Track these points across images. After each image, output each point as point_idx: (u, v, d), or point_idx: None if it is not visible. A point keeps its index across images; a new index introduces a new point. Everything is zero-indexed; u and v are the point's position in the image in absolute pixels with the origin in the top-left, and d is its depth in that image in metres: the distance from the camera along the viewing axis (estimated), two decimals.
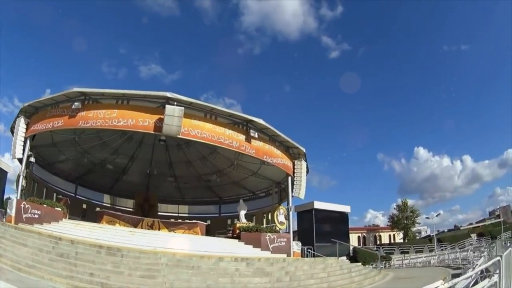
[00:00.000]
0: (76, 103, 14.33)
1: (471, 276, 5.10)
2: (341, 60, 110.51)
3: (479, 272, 5.81)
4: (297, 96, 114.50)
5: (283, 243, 17.02)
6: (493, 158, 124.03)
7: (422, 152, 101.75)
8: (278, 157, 18.08)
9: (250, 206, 21.80)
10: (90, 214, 20.13)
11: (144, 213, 21.78)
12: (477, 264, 9.60)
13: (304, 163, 19.31)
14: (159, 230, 17.61)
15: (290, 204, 19.15)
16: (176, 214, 25.48)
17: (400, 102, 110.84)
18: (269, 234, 16.96)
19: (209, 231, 19.66)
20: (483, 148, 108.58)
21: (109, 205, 24.61)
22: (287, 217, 19.38)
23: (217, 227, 21.49)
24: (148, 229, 17.34)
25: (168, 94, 14.10)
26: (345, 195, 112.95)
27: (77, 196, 22.79)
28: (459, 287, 3.34)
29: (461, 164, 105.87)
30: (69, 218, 16.81)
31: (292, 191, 18.93)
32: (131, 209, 23.91)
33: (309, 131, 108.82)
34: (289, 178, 18.90)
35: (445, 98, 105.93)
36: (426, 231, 53.55)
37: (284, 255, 16.36)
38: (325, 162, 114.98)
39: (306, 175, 19.69)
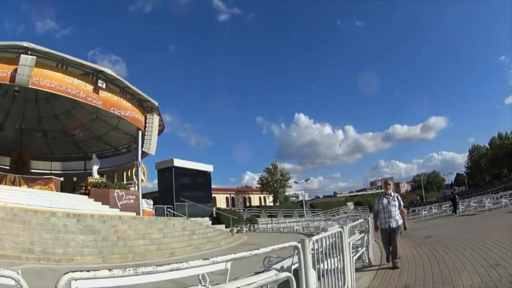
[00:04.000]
0: None
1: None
2: (229, 23, 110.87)
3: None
4: (181, 56, 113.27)
5: (132, 201, 17.03)
6: (377, 131, 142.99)
7: (303, 118, 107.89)
8: (127, 110, 17.47)
9: (112, 163, 21.21)
10: None
11: (18, 170, 20.36)
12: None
13: (156, 118, 19.01)
14: (19, 185, 16.84)
15: (139, 160, 18.80)
16: (49, 171, 23.70)
17: (283, 68, 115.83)
18: (118, 190, 16.76)
19: (75, 188, 19.86)
20: (368, 120, 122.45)
21: None
22: (145, 174, 19.19)
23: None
24: (11, 185, 16.53)
25: (25, 44, 13.61)
26: (223, 156, 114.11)
27: None
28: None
29: (343, 134, 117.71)
30: None
31: (142, 146, 18.55)
32: (7, 167, 22.03)
33: (190, 91, 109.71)
34: (140, 132, 18.51)
35: (332, 74, 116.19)
36: (304, 196, 54.81)
37: (133, 213, 16.40)
38: (203, 122, 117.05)
39: (162, 131, 19.66)
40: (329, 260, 3.56)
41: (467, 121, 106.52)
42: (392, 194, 6.17)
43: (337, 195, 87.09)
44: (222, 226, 21.45)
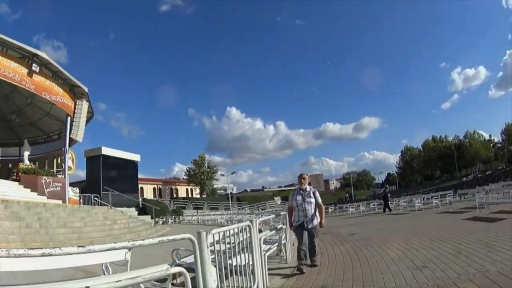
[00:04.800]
0: None
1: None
2: (170, 14, 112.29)
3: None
4: (120, 45, 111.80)
5: (58, 188, 17.36)
6: (309, 128, 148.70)
7: (234, 112, 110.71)
8: (58, 95, 17.46)
9: (44, 149, 21.19)
10: None
11: None
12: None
13: (85, 104, 19.04)
14: None
15: (67, 147, 18.73)
16: None
17: (219, 61, 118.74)
18: (45, 177, 17.00)
19: (9, 174, 18.88)
20: (300, 117, 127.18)
21: None
22: (74, 161, 19.58)
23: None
24: None
25: None
26: (154, 147, 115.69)
27: None
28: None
29: (274, 129, 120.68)
30: None
31: (70, 133, 18.53)
32: None
33: (127, 80, 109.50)
34: (68, 118, 18.40)
35: (268, 69, 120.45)
36: (232, 189, 55.82)
37: (59, 201, 16.75)
38: (137, 111, 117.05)
39: (91, 118, 19.54)
40: (238, 257, 3.43)
41: (401, 123, 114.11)
42: (308, 189, 5.46)
43: (265, 190, 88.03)
44: (148, 217, 21.40)
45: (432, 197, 19.61)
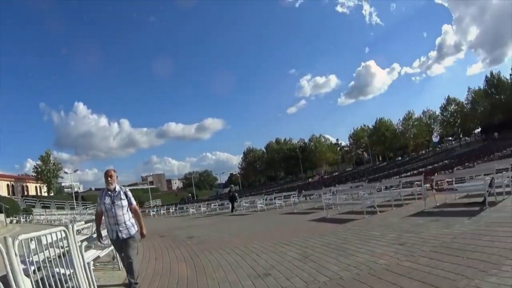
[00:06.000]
0: None
1: None
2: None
3: None
4: None
5: None
6: (152, 127, 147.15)
7: (81, 107, 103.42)
8: None
9: None
10: None
11: None
12: None
13: None
14: None
15: None
16: None
17: (70, 54, 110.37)
18: None
19: None
20: (143, 116, 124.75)
21: None
22: None
23: None
24: None
25: None
26: (6, 141, 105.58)
27: None
28: None
29: (118, 127, 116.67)
30: None
31: None
32: None
33: None
34: None
35: (116, 65, 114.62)
36: (79, 188, 54.58)
37: None
38: None
39: None
40: (57, 267, 3.00)
41: (245, 125, 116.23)
42: (117, 188, 4.23)
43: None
44: (2, 216, 19.50)
45: (275, 198, 18.91)
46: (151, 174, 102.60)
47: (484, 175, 8.68)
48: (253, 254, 5.67)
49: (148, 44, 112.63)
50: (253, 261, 5.12)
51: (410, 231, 5.74)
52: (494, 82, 58.58)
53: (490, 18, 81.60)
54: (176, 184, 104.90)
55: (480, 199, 7.26)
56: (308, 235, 6.95)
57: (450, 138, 72.92)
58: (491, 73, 59.62)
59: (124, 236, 4.07)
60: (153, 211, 32.45)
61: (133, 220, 4.21)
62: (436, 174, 11.99)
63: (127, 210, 4.17)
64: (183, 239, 8.99)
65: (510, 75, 56.72)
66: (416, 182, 11.08)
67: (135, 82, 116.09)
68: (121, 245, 4.12)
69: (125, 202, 4.15)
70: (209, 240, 8.30)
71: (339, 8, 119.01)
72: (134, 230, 4.16)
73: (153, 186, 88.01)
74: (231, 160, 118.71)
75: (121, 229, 4.07)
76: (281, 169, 76.94)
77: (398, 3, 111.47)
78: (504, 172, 8.17)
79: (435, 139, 74.65)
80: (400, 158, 70.77)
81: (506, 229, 4.60)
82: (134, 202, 4.28)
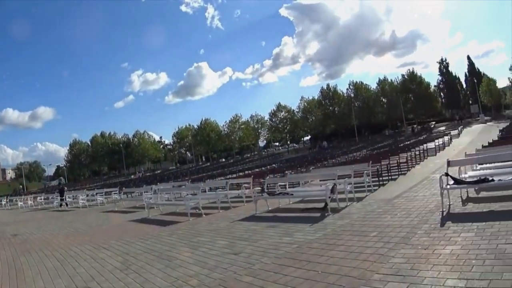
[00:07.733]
0: None
1: None
2: None
3: None
4: None
5: None
6: None
7: None
8: None
9: None
10: None
11: None
12: None
13: None
14: None
15: None
16: None
17: None
18: None
19: None
20: None
21: None
22: None
23: None
24: None
25: None
26: None
27: None
28: None
29: None
30: None
31: None
32: None
33: None
34: None
35: None
36: None
37: None
38: None
39: None
40: None
41: (74, 116, 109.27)
42: None
43: None
44: None
45: (96, 194, 18.25)
46: None
47: (320, 180, 8.81)
48: (73, 260, 5.19)
49: None
50: (73, 269, 4.62)
51: (244, 238, 5.33)
52: (329, 94, 63.41)
53: (333, 36, 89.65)
54: (10, 174, 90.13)
55: (320, 205, 6.99)
56: (129, 238, 6.53)
57: (277, 143, 75.51)
58: (328, 86, 64.62)
59: None
60: None
61: None
62: (267, 177, 11.72)
63: None
64: (8, 237, 8.70)
65: (347, 89, 63.08)
66: (245, 184, 10.45)
67: None
68: None
69: None
70: (32, 239, 8.05)
71: (183, 8, 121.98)
72: None
73: None
74: (59, 152, 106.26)
75: None
76: (105, 164, 73.59)
77: (243, 10, 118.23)
78: (346, 179, 7.89)
79: (262, 143, 76.93)
80: (224, 159, 70.49)
81: (361, 239, 4.25)
82: None
